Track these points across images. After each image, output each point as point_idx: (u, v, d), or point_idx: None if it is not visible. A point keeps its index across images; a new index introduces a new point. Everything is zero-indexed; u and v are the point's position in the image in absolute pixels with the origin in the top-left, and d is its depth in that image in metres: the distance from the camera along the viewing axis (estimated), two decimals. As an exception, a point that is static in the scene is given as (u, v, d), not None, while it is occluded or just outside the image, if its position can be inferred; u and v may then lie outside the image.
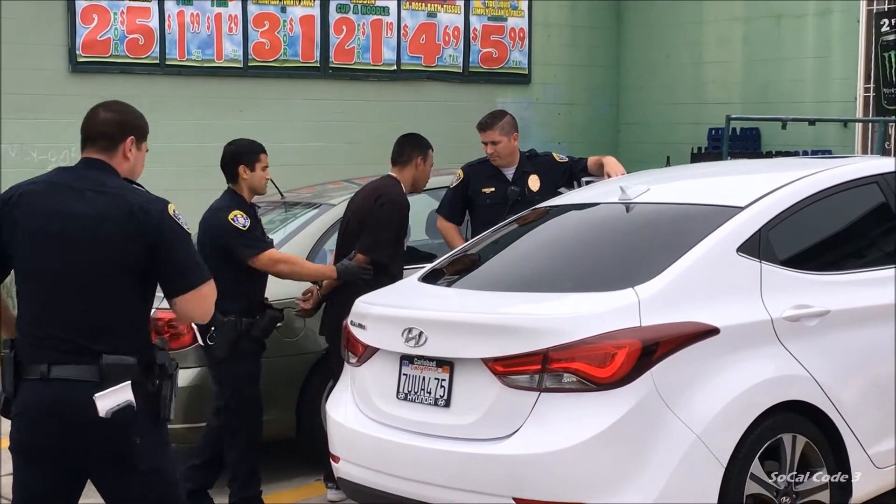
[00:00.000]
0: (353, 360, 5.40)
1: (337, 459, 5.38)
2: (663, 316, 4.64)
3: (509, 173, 7.31)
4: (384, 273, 6.26)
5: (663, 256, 4.90)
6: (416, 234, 8.25)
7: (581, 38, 14.07)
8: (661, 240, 5.19)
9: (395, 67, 12.77)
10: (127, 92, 11.33)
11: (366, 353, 5.30)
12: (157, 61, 11.51)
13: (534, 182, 7.24)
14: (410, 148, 6.69)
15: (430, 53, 12.97)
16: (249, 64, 11.95)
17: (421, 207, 8.15)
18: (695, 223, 5.12)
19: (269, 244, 6.30)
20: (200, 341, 6.30)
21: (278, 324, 6.33)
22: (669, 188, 5.92)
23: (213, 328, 6.14)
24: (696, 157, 12.57)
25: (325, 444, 5.59)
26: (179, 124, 11.51)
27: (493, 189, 7.24)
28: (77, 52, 11.14)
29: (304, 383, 6.96)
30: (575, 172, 7.34)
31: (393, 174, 6.65)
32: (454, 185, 7.39)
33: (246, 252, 6.11)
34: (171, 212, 4.12)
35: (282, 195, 8.04)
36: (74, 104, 11.27)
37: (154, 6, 11.44)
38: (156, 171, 11.37)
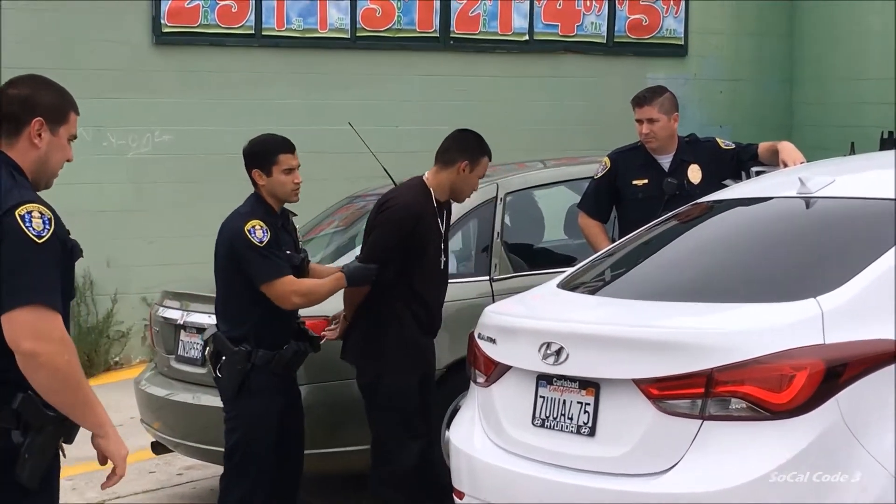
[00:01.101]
0: (481, 380, 5.44)
1: (461, 495, 5.42)
2: (852, 332, 4.58)
3: (665, 162, 7.29)
4: (409, 291, 6.38)
5: (852, 261, 4.84)
6: (554, 233, 8.27)
7: (748, 2, 13.95)
8: (848, 241, 5.13)
9: (527, 38, 12.82)
10: (217, 67, 11.62)
11: (496, 371, 5.33)
12: (252, 31, 11.73)
13: (694, 172, 7.21)
14: (458, 149, 6.56)
15: (568, 21, 12.99)
16: (358, 34, 12.10)
17: (559, 202, 8.17)
18: (890, 222, 5.05)
19: (288, 269, 6.16)
20: (213, 372, 6.37)
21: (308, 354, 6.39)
22: (858, 180, 5.83)
23: (223, 357, 6.20)
24: (887, 142, 12.35)
25: (448, 477, 5.65)
26: (277, 104, 11.71)
27: (646, 180, 7.22)
28: (161, 22, 11.40)
29: (421, 406, 7.03)
30: (743, 161, 7.29)
31: (426, 176, 6.59)
32: (599, 175, 7.38)
33: (259, 277, 6.08)
34: (18, 214, 3.81)
35: (395, 185, 8.13)
36: (158, 81, 11.58)
37: (249, -32, 11.65)
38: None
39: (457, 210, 7.55)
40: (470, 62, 12.60)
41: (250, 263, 6.07)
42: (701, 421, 4.56)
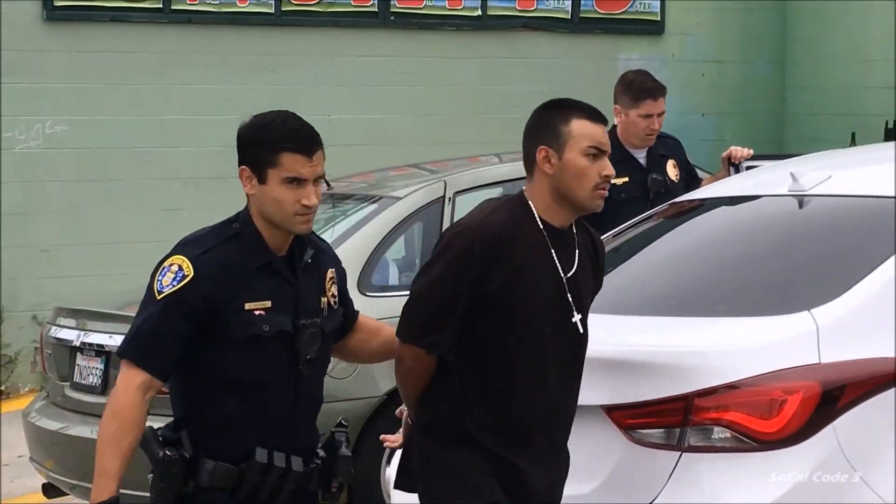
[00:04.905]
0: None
1: (404, 542, 5.42)
2: (850, 350, 4.63)
3: (640, 157, 7.34)
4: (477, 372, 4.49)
5: (850, 269, 4.91)
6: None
7: (734, -28, 14.05)
8: (847, 246, 5.19)
9: (479, 13, 12.85)
10: (120, 47, 11.57)
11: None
12: (160, 5, 11.69)
13: (673, 169, 7.32)
14: (529, 136, 4.71)
15: (527, -7, 13.02)
16: (283, 9, 12.09)
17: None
18: (893, 224, 5.10)
19: (149, 360, 4.30)
20: None
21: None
22: (858, 176, 5.89)
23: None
24: (893, 132, 12.47)
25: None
26: (191, 90, 11.68)
27: (626, 178, 7.19)
28: (54, -6, 11.34)
29: (356, 440, 7.04)
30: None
31: (525, 187, 4.68)
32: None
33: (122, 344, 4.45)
34: None
35: (328, 185, 8.11)
36: (50, 64, 11.50)
37: (156, -69, 11.61)
38: (163, 154, 11.65)
39: (398, 212, 7.58)
40: (414, 41, 12.60)
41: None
42: (679, 453, 4.60)
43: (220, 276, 4.30)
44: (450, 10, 12.71)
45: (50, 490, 7.76)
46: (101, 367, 7.30)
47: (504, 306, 4.39)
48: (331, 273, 4.55)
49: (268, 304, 4.36)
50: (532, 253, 4.44)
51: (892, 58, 13.32)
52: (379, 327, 4.81)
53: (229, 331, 4.31)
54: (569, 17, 13.21)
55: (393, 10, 12.49)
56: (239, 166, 4.40)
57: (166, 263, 4.33)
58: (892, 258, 4.87)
